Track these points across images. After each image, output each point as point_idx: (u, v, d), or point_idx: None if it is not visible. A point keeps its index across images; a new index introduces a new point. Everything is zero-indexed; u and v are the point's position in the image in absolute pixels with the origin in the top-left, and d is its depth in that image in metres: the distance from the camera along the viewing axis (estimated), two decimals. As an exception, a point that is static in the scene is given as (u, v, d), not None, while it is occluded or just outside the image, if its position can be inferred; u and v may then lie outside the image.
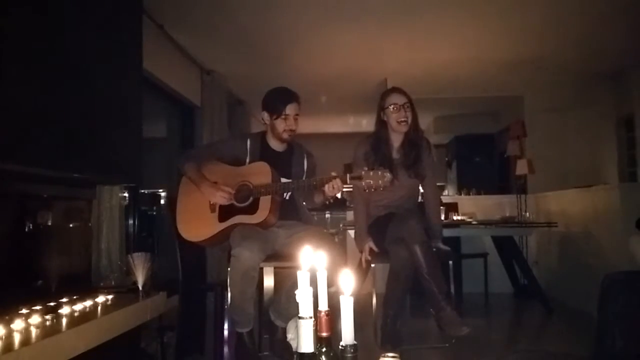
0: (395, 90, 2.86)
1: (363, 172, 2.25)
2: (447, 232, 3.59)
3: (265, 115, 2.58)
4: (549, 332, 3.97)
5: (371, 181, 2.23)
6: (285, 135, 2.55)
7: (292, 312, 2.31)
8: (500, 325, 4.26)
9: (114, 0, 2.52)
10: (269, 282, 2.58)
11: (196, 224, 2.50)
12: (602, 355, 2.23)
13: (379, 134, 2.88)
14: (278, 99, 2.55)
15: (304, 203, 2.67)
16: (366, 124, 7.04)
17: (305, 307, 1.10)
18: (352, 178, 2.28)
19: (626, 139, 5.72)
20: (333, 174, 2.32)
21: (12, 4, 1.78)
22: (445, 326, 2.48)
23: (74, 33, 2.13)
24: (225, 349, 2.63)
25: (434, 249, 2.73)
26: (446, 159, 8.64)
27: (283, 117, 2.52)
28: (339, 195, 2.35)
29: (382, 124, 2.88)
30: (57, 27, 2.03)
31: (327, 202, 2.56)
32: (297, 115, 2.55)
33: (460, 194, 6.56)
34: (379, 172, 2.24)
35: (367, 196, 2.84)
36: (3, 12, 1.72)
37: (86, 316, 1.95)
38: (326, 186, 2.32)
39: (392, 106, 2.80)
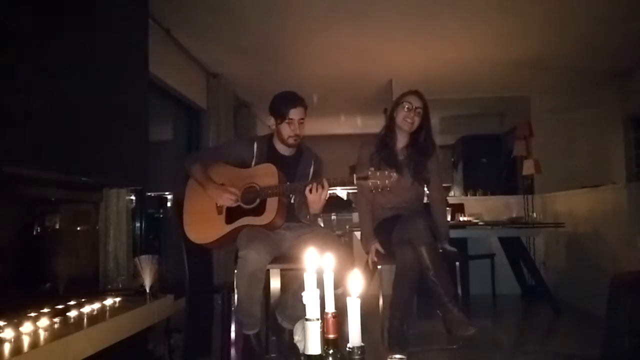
0: (416, 93, 2.87)
1: (370, 172, 2.24)
2: (453, 233, 3.57)
3: (272, 119, 2.58)
4: (557, 333, 3.95)
5: (377, 181, 2.22)
6: (290, 141, 2.53)
7: (299, 314, 2.31)
8: (508, 326, 4.24)
9: (121, 5, 2.54)
10: (275, 284, 2.57)
11: (203, 226, 2.50)
12: (611, 356, 2.22)
13: (388, 129, 2.90)
14: (282, 104, 2.52)
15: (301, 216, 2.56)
16: (372, 124, 7.03)
17: (312, 309, 1.10)
18: (358, 178, 2.27)
19: (633, 138, 5.68)
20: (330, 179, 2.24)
21: (20, 8, 1.79)
22: (452, 327, 2.48)
23: (81, 37, 2.15)
24: (233, 351, 2.62)
25: (441, 250, 2.72)
26: (452, 159, 8.60)
27: (287, 121, 2.49)
28: (344, 196, 2.33)
29: (392, 120, 2.89)
30: (65, 32, 2.04)
31: (314, 214, 2.46)
32: (302, 119, 2.52)
33: (467, 195, 6.54)
34: (385, 172, 2.23)
35: (373, 198, 2.83)
36: (11, 16, 1.74)
37: (94, 319, 1.96)
38: (306, 189, 2.29)
39: (406, 104, 2.82)
